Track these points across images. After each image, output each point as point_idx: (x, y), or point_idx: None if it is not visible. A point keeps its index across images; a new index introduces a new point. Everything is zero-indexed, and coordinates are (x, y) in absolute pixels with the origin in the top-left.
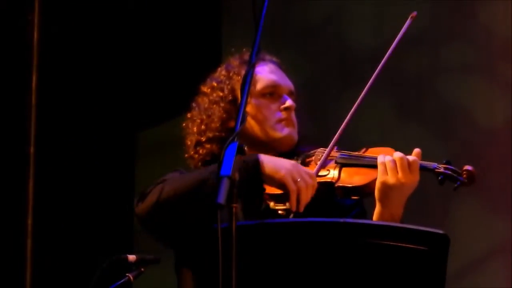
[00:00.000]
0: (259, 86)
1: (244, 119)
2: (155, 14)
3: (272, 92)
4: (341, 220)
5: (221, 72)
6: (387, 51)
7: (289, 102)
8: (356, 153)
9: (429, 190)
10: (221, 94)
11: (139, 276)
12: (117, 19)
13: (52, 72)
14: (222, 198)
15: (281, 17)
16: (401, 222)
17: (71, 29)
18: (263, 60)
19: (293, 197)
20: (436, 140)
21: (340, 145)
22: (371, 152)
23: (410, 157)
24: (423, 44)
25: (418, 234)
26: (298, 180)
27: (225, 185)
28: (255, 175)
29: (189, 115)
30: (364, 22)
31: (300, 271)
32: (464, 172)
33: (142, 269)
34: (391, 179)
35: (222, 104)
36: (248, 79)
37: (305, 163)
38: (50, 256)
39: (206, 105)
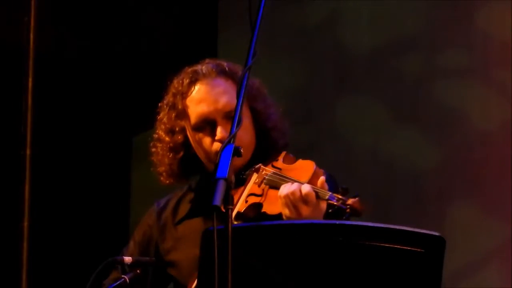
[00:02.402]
0: (191, 121)
1: (239, 122)
2: (151, 18)
3: (204, 125)
4: (338, 222)
5: (162, 106)
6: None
7: (220, 134)
8: (282, 171)
9: (427, 192)
10: (162, 134)
11: (135, 278)
12: (114, 23)
13: (48, 75)
14: (218, 200)
15: (277, 21)
16: None
17: (67, 31)
18: (194, 80)
19: None
20: (432, 144)
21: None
22: (297, 166)
23: (304, 190)
24: (419, 48)
25: (414, 236)
26: None
27: (221, 187)
28: None
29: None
30: (360, 26)
31: (297, 273)
32: (348, 207)
33: (138, 271)
34: (290, 213)
35: (166, 140)
36: (244, 83)
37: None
38: (45, 259)
39: (155, 140)
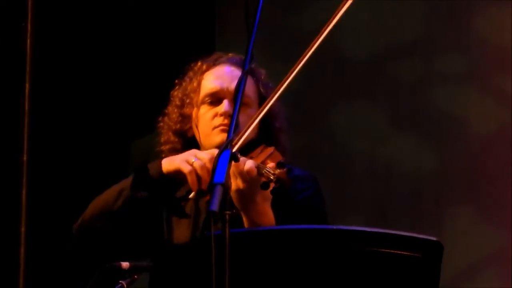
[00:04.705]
0: (201, 94)
1: (237, 127)
2: (148, 22)
3: (212, 100)
4: (335, 227)
5: (180, 82)
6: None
7: (224, 108)
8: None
9: (425, 197)
10: (172, 108)
11: (133, 283)
12: (111, 28)
13: (46, 80)
14: (215, 206)
15: (274, 25)
16: None
17: (65, 36)
18: (217, 63)
19: (190, 177)
20: (430, 149)
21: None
22: (263, 153)
23: (247, 165)
24: (417, 53)
25: (412, 241)
26: (193, 160)
27: (218, 193)
28: (159, 178)
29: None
30: (358, 31)
31: (295, 278)
32: (275, 176)
33: (136, 276)
34: (231, 185)
35: (173, 116)
36: (241, 88)
37: None
38: (43, 265)
39: (163, 116)
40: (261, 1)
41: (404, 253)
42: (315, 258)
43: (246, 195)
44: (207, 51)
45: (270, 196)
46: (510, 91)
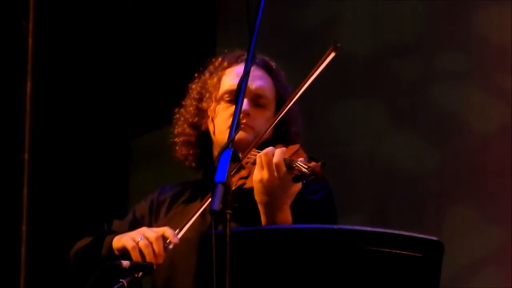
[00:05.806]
0: (220, 90)
1: (238, 126)
2: (148, 21)
3: (231, 98)
4: (335, 226)
5: (199, 75)
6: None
7: (242, 107)
8: None
9: (425, 196)
10: (191, 101)
11: (133, 282)
12: (111, 26)
13: (47, 79)
14: (216, 205)
15: (275, 24)
16: None
17: (66, 35)
18: (239, 60)
19: (133, 253)
20: (431, 148)
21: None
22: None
23: (276, 154)
24: (417, 51)
25: (412, 240)
26: (139, 239)
27: (219, 192)
28: (108, 254)
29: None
30: (358, 30)
31: (296, 278)
32: (309, 169)
33: (136, 274)
34: (256, 175)
35: (190, 109)
36: (243, 87)
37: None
38: (44, 262)
39: (180, 108)
40: None
41: (405, 252)
42: (316, 257)
43: (268, 187)
44: (207, 49)
45: (294, 194)
46: (511, 89)
